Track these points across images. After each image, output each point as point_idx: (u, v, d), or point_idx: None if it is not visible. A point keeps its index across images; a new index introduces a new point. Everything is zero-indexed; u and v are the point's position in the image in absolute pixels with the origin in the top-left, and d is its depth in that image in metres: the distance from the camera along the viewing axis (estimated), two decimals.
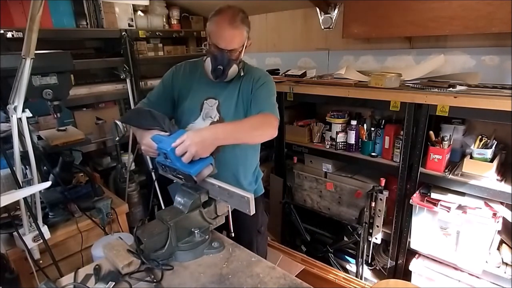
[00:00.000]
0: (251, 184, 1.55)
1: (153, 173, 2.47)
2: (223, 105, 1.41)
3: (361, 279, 2.17)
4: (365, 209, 2.03)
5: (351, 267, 2.32)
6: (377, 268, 2.21)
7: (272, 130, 1.26)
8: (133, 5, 2.59)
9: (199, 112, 1.42)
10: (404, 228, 1.92)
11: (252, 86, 1.40)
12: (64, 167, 1.61)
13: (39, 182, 1.32)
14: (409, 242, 1.92)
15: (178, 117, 1.48)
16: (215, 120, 1.41)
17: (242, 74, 1.42)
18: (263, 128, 1.25)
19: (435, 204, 1.72)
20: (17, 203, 1.27)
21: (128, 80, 2.45)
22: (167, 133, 1.18)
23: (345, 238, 2.20)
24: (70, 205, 1.63)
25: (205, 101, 1.42)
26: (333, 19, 2.37)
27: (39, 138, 1.75)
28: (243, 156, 1.47)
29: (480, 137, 1.70)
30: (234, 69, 1.35)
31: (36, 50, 1.16)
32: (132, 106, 2.56)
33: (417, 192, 1.82)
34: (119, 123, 2.34)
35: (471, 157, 1.67)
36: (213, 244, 1.12)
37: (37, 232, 1.33)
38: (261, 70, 1.49)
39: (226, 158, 1.39)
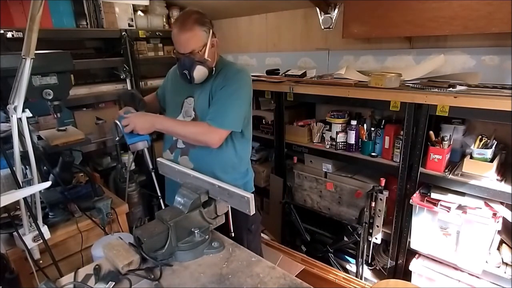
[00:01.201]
0: (235, 180, 1.52)
1: (153, 173, 2.48)
2: (197, 103, 1.49)
3: (361, 279, 2.17)
4: (365, 209, 2.03)
5: (351, 267, 2.32)
6: (377, 268, 2.21)
7: (210, 142, 1.39)
8: (133, 5, 2.59)
9: (180, 110, 1.54)
10: (404, 228, 1.92)
11: (221, 85, 1.44)
12: (64, 167, 1.61)
13: (39, 182, 1.32)
14: (409, 242, 1.92)
15: (166, 114, 1.66)
16: (192, 118, 1.51)
17: (213, 72, 1.46)
18: (198, 137, 1.40)
19: (435, 204, 1.72)
20: (17, 203, 1.27)
21: (128, 80, 2.46)
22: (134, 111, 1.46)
23: (345, 238, 2.20)
24: (70, 205, 1.63)
25: (185, 100, 1.54)
26: (333, 19, 2.37)
27: (39, 138, 1.75)
28: (218, 152, 1.48)
29: (480, 137, 1.70)
30: (199, 70, 1.39)
31: (36, 50, 1.15)
32: None
33: (417, 192, 1.82)
34: (119, 123, 2.34)
35: (471, 157, 1.67)
36: (213, 244, 1.12)
37: (37, 232, 1.33)
38: (234, 68, 1.49)
39: (203, 153, 1.47)
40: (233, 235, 1.29)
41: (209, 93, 1.46)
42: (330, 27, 2.40)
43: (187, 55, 1.37)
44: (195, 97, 1.51)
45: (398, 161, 1.86)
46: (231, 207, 1.18)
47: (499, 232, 1.69)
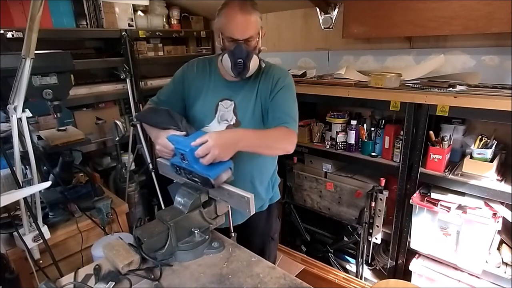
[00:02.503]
0: (267, 191, 1.47)
1: (153, 173, 2.48)
2: (239, 107, 1.31)
3: (361, 279, 2.17)
4: (365, 209, 2.03)
5: (351, 267, 2.32)
6: (377, 268, 2.21)
7: (291, 148, 1.22)
8: (133, 5, 2.59)
9: (214, 114, 1.33)
10: (404, 228, 1.92)
11: (272, 88, 1.30)
12: (64, 167, 1.61)
13: (39, 182, 1.32)
14: (409, 242, 1.92)
15: (190, 119, 1.37)
16: (232, 123, 1.32)
17: (263, 65, 1.32)
18: (282, 144, 1.21)
19: (435, 204, 1.72)
20: (17, 203, 1.27)
21: (128, 80, 2.46)
22: (183, 133, 1.14)
23: (345, 238, 2.20)
24: (70, 205, 1.63)
25: (220, 103, 1.33)
26: (333, 19, 2.37)
27: (39, 138, 1.75)
28: (261, 161, 1.39)
29: (480, 137, 1.70)
30: (255, 60, 1.24)
31: (36, 50, 1.16)
32: (132, 106, 2.56)
33: (417, 192, 1.82)
34: (119, 123, 2.34)
35: (471, 157, 1.67)
36: (213, 244, 1.12)
37: (37, 232, 1.33)
38: (280, 68, 1.37)
39: (243, 163, 1.29)
40: (233, 235, 1.29)
41: (256, 94, 1.31)
42: (330, 27, 2.40)
43: (243, 43, 1.20)
44: (235, 99, 1.32)
45: (398, 161, 1.86)
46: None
47: (499, 232, 1.69)
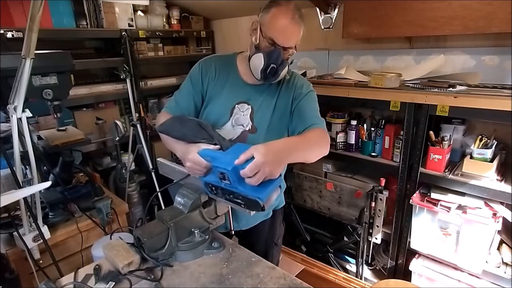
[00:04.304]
0: (275, 198, 1.46)
1: (153, 173, 2.48)
2: (257, 113, 1.25)
3: (361, 279, 2.17)
4: (365, 209, 2.03)
5: (351, 267, 2.32)
6: (377, 268, 2.21)
7: (328, 148, 1.16)
8: (133, 5, 2.59)
9: (229, 117, 1.25)
10: (404, 228, 1.92)
11: (294, 94, 1.26)
12: (64, 167, 1.61)
13: (39, 182, 1.32)
14: (409, 242, 1.92)
15: (202, 119, 1.26)
16: (247, 129, 1.25)
17: (287, 77, 1.29)
18: (322, 145, 1.14)
19: (435, 204, 1.72)
20: (17, 203, 1.27)
21: (128, 80, 2.46)
22: (217, 147, 1.00)
23: (345, 238, 2.20)
24: (70, 205, 1.63)
25: (236, 105, 1.25)
26: (333, 19, 2.37)
27: (39, 138, 1.75)
28: None
29: (480, 137, 1.70)
30: (285, 70, 1.20)
31: (36, 50, 1.16)
32: (132, 106, 2.56)
33: (417, 192, 1.82)
34: (119, 123, 2.35)
35: (471, 157, 1.67)
36: (213, 244, 1.12)
37: (37, 232, 1.33)
38: (302, 77, 1.35)
39: None
40: (233, 233, 1.29)
41: (275, 101, 1.26)
42: (330, 27, 2.40)
43: (281, 49, 1.15)
44: (254, 104, 1.26)
45: (398, 161, 1.86)
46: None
47: (499, 232, 1.69)
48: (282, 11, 1.11)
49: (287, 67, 1.20)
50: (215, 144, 1.01)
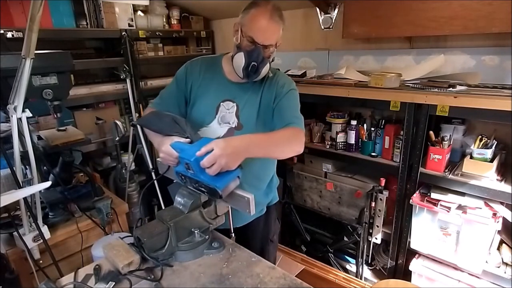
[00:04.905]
0: (267, 195, 1.46)
1: (153, 173, 2.48)
2: (243, 111, 1.30)
3: (361, 279, 2.17)
4: (365, 209, 2.03)
5: (351, 267, 2.32)
6: (377, 268, 2.21)
7: (300, 147, 1.20)
8: (133, 5, 2.59)
9: (214, 115, 1.30)
10: (404, 228, 1.92)
11: (276, 93, 1.29)
12: (64, 167, 1.61)
13: (39, 182, 1.32)
14: (409, 242, 1.92)
15: (189, 118, 1.33)
16: (233, 126, 1.30)
17: (270, 75, 1.32)
18: (293, 144, 1.18)
19: (435, 204, 1.72)
20: (17, 203, 1.27)
21: (128, 80, 2.46)
22: (188, 140, 1.09)
23: (345, 238, 2.20)
24: (70, 205, 1.63)
25: (221, 103, 1.30)
26: (333, 19, 2.37)
27: (39, 138, 1.75)
28: (258, 167, 1.35)
29: (480, 137, 1.70)
30: (266, 68, 1.26)
31: (36, 50, 1.16)
32: (132, 106, 2.56)
33: (417, 192, 1.82)
34: (119, 123, 2.35)
35: (471, 157, 1.67)
36: (213, 244, 1.12)
37: (37, 232, 1.33)
38: (284, 75, 1.39)
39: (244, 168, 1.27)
40: (233, 235, 1.29)
41: (259, 99, 1.30)
42: (330, 27, 2.40)
43: (261, 47, 1.20)
44: (239, 102, 1.30)
45: (398, 161, 1.86)
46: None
47: (499, 232, 1.69)
48: (261, 11, 1.18)
49: (268, 64, 1.26)
50: (187, 138, 1.09)
